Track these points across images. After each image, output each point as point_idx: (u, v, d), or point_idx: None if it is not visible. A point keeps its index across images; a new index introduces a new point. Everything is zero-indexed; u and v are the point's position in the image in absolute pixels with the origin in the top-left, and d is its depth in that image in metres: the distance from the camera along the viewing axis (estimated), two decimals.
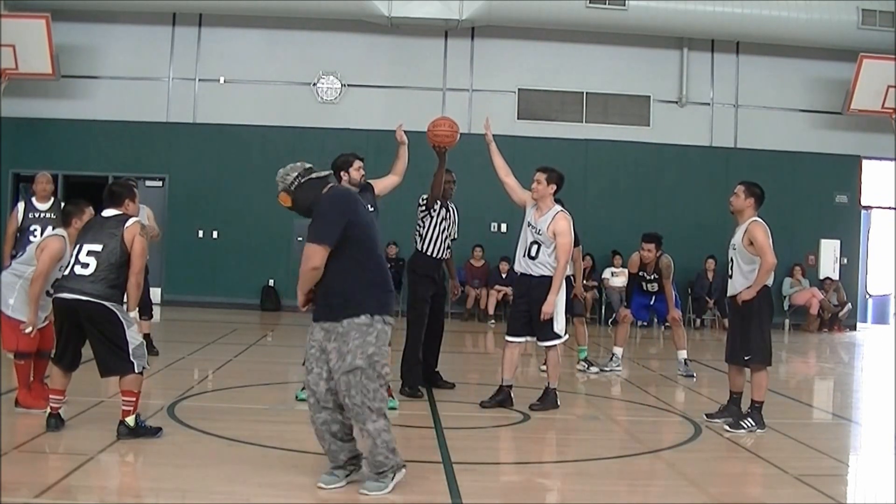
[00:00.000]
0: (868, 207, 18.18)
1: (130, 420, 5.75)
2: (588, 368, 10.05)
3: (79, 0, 16.48)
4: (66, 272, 5.86)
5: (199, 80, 17.26)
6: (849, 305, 17.51)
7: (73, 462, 5.09)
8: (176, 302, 16.57)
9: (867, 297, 18.80)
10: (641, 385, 9.41)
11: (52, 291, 6.08)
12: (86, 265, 5.77)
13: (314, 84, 17.34)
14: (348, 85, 17.32)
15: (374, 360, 4.72)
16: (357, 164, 7.31)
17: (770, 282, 6.97)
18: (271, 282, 16.91)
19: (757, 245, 6.81)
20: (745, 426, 6.85)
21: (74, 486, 4.71)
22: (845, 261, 17.73)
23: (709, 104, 17.82)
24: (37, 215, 8.89)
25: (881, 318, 18.91)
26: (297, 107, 17.12)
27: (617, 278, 16.65)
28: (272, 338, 13.48)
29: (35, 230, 8.70)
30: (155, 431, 5.85)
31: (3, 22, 15.17)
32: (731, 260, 7.05)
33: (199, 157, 17.05)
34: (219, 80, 17.26)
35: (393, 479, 4.80)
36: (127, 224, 5.91)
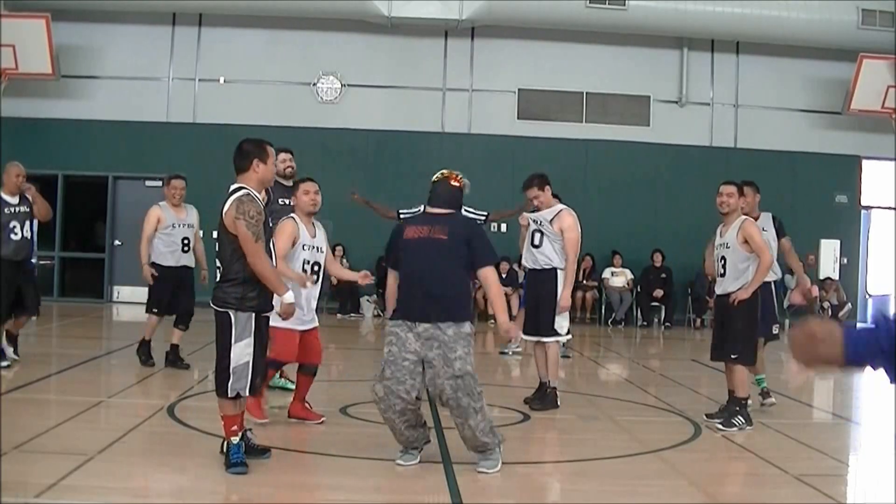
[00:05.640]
0: (868, 207, 18.17)
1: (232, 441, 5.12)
2: (765, 400, 7.98)
3: (79, 0, 16.49)
4: None
5: (199, 80, 17.26)
6: (849, 305, 17.50)
7: (73, 462, 5.08)
8: None
9: (867, 297, 18.79)
10: (641, 385, 9.41)
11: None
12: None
13: (314, 84, 17.33)
14: (348, 85, 17.32)
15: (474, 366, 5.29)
16: (283, 155, 7.40)
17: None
18: None
19: (755, 243, 6.84)
20: (737, 424, 6.88)
21: (74, 486, 4.71)
22: (845, 261, 17.73)
23: (709, 104, 17.82)
24: (11, 210, 8.31)
25: None
26: (297, 107, 17.12)
27: (617, 278, 16.65)
28: None
29: (14, 227, 8.23)
30: (263, 451, 5.36)
31: (3, 22, 15.17)
32: (723, 259, 7.07)
33: (199, 157, 17.02)
34: (219, 80, 17.26)
35: (500, 452, 5.38)
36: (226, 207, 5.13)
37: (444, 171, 5.58)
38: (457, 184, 5.48)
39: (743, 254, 6.90)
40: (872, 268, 18.55)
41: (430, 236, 5.28)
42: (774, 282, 7.84)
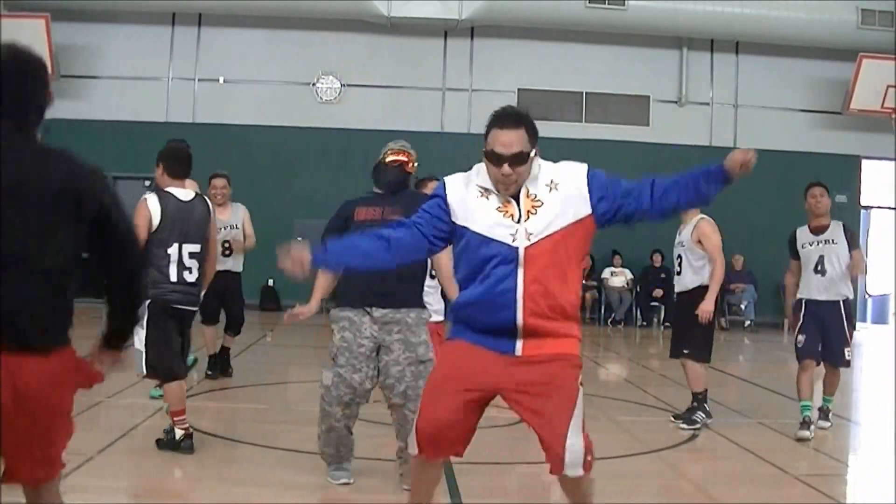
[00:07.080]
0: (868, 207, 18.18)
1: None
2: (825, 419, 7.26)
3: (78, 0, 16.49)
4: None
5: (199, 80, 17.26)
6: None
7: (73, 462, 5.06)
8: None
9: (867, 297, 18.79)
10: (641, 385, 9.41)
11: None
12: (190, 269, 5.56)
13: (314, 84, 17.34)
14: (348, 85, 17.33)
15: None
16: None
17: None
18: (271, 282, 16.88)
19: (710, 246, 6.93)
20: (697, 420, 6.95)
21: (74, 486, 4.70)
22: None
23: (708, 104, 17.83)
24: None
25: (881, 318, 18.91)
26: (297, 107, 17.12)
27: (616, 278, 16.65)
28: (271, 338, 13.47)
29: None
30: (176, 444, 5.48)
31: (3, 22, 15.16)
32: (679, 257, 7.20)
33: (199, 157, 16.87)
34: (218, 80, 17.27)
35: None
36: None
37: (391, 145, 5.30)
38: (394, 161, 5.17)
39: (698, 252, 7.00)
40: (872, 268, 18.55)
41: (384, 217, 4.87)
42: (845, 300, 6.86)
